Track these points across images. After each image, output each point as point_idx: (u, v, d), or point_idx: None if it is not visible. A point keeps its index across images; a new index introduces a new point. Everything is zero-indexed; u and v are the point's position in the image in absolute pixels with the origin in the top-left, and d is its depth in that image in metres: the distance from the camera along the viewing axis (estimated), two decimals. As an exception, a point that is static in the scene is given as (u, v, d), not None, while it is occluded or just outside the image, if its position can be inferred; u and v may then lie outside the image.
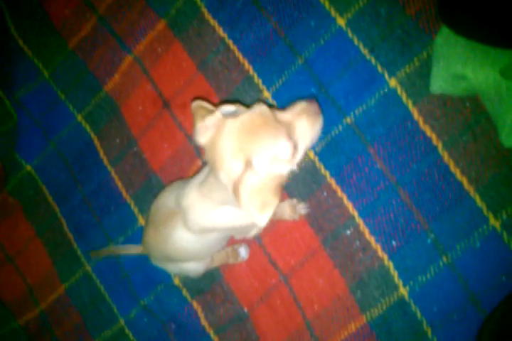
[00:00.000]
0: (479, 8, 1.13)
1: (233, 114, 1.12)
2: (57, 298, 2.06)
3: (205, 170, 1.30)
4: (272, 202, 1.03)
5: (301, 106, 1.16)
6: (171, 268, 1.59)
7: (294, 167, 1.11)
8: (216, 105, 1.18)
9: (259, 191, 1.03)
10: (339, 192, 1.55)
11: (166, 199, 1.41)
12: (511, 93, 1.20)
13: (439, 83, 1.36)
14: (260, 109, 1.09)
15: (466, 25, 1.22)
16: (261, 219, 1.03)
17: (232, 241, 1.64)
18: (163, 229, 1.38)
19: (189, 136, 1.75)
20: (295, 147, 1.09)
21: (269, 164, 1.05)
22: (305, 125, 1.13)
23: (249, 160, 1.03)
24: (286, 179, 1.08)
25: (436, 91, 1.39)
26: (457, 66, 1.28)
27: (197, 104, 1.17)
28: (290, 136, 1.08)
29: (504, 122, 1.25)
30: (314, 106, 1.17)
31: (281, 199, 1.58)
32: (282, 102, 1.60)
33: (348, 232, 1.54)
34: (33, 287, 2.12)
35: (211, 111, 1.13)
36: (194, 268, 1.58)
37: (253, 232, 1.49)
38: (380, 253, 1.51)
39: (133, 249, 1.73)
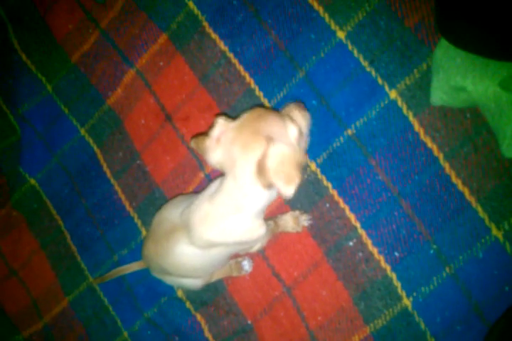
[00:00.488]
0: (478, 21, 1.14)
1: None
2: (61, 310, 2.06)
3: (214, 184, 1.33)
4: (296, 176, 1.13)
5: (290, 105, 1.34)
6: (169, 280, 1.59)
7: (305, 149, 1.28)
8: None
9: (283, 164, 1.12)
10: (341, 204, 1.56)
11: (169, 214, 1.42)
12: (511, 105, 1.21)
13: (439, 95, 1.36)
14: (258, 108, 1.25)
15: (465, 38, 1.23)
16: (287, 191, 1.12)
17: (235, 255, 1.65)
18: (166, 243, 1.38)
19: (191, 149, 1.76)
20: (299, 130, 1.22)
21: (286, 140, 1.17)
22: (298, 115, 1.29)
23: (270, 136, 1.14)
24: (304, 161, 1.16)
25: (436, 103, 1.40)
26: (457, 78, 1.28)
27: (194, 139, 1.29)
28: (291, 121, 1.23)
29: (505, 134, 1.25)
30: (301, 104, 1.36)
31: (284, 212, 1.59)
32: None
33: (351, 244, 1.55)
34: (37, 300, 2.12)
35: (204, 139, 1.25)
36: (191, 284, 1.58)
37: (256, 247, 1.50)
38: (383, 264, 1.51)
39: (135, 266, 1.74)
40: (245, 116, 1.23)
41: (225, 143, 1.21)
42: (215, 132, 1.23)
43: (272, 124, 1.20)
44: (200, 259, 1.39)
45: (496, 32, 1.13)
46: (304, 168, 1.16)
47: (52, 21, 2.03)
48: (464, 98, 1.32)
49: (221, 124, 1.23)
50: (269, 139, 1.14)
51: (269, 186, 1.17)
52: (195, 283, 1.58)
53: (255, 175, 1.15)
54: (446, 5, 1.22)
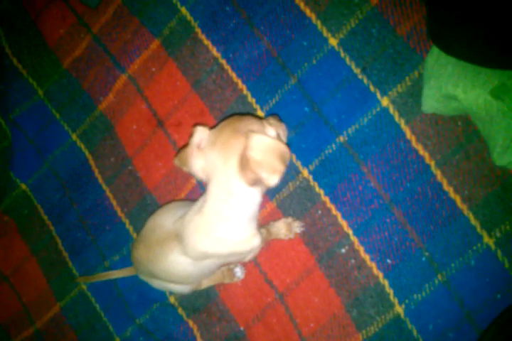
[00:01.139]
0: (469, 29, 1.14)
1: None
2: (52, 316, 2.05)
3: (203, 195, 1.32)
4: (280, 167, 1.14)
5: (268, 117, 1.38)
6: (156, 284, 1.57)
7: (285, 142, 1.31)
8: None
9: (265, 153, 1.13)
10: (333, 211, 1.56)
11: (164, 221, 1.41)
12: (502, 114, 1.21)
13: (430, 103, 1.37)
14: (236, 114, 1.30)
15: (456, 45, 1.23)
16: (271, 180, 1.14)
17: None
18: (159, 250, 1.37)
19: (184, 155, 1.75)
20: (277, 133, 1.26)
21: (265, 134, 1.18)
22: (275, 123, 1.32)
23: (250, 130, 1.16)
24: (287, 153, 1.17)
25: (427, 110, 1.41)
26: (448, 86, 1.29)
27: (177, 156, 1.31)
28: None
29: (496, 142, 1.26)
30: (277, 116, 1.41)
31: (276, 218, 1.59)
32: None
33: (343, 250, 1.55)
34: (28, 306, 2.10)
35: (187, 151, 1.26)
36: (180, 289, 1.57)
37: (249, 257, 1.50)
38: (376, 271, 1.51)
39: (124, 272, 1.73)
40: (224, 121, 1.25)
41: (205, 147, 1.22)
42: (196, 139, 1.24)
43: (251, 124, 1.22)
44: (192, 268, 1.38)
45: (487, 39, 1.13)
46: (287, 160, 1.15)
47: (44, 26, 2.02)
48: (455, 106, 1.32)
49: (200, 131, 1.24)
50: (249, 132, 1.15)
51: (254, 181, 1.17)
52: (183, 288, 1.57)
53: (238, 170, 1.16)
54: (437, 13, 1.22)
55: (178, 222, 1.34)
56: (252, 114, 1.33)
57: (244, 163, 1.14)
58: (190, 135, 1.26)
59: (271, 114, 1.44)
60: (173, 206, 1.47)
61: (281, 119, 1.40)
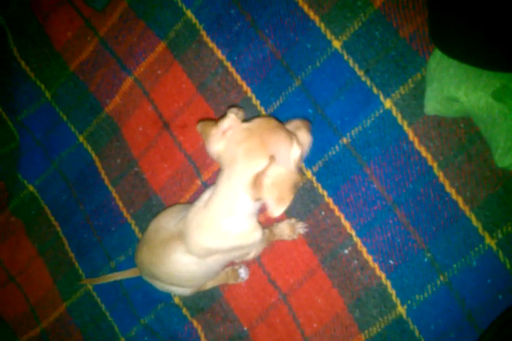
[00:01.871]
0: (471, 31, 1.15)
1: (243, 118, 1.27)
2: (58, 316, 2.07)
3: (207, 192, 1.34)
4: (288, 197, 1.15)
5: (298, 121, 1.36)
6: (159, 285, 1.59)
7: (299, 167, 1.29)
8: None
9: (278, 185, 1.14)
10: (337, 212, 1.57)
11: (166, 223, 1.43)
12: (503, 116, 1.22)
13: (432, 105, 1.38)
14: (268, 117, 1.28)
15: (457, 48, 1.24)
16: (276, 211, 1.15)
17: (231, 262, 1.66)
18: (162, 252, 1.38)
19: (189, 156, 1.77)
20: (302, 152, 1.26)
21: (287, 162, 1.19)
22: (304, 136, 1.32)
23: (273, 156, 1.16)
24: (300, 181, 1.19)
25: (430, 112, 1.42)
26: (450, 88, 1.30)
27: (202, 123, 1.31)
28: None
29: (498, 143, 1.27)
30: (308, 123, 1.38)
31: (280, 220, 1.60)
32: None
33: (346, 251, 1.56)
34: (34, 305, 2.13)
35: (217, 124, 1.25)
36: (181, 291, 1.60)
37: (252, 254, 1.51)
38: (378, 272, 1.52)
39: (130, 273, 1.75)
40: (258, 123, 1.24)
41: (230, 139, 1.22)
42: (224, 125, 1.24)
43: (279, 140, 1.21)
44: (195, 268, 1.40)
45: (488, 42, 1.14)
46: (297, 188, 1.17)
47: (51, 29, 2.04)
48: (457, 108, 1.33)
49: (232, 119, 1.24)
50: (272, 158, 1.15)
51: (258, 199, 1.19)
52: (184, 291, 1.59)
53: (249, 185, 1.17)
54: (438, 15, 1.23)
55: (181, 221, 1.36)
56: (282, 123, 1.32)
57: (256, 183, 1.15)
58: (222, 116, 1.26)
59: (304, 118, 1.42)
60: (176, 209, 1.49)
61: (311, 128, 1.39)
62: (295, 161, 1.22)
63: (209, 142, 1.26)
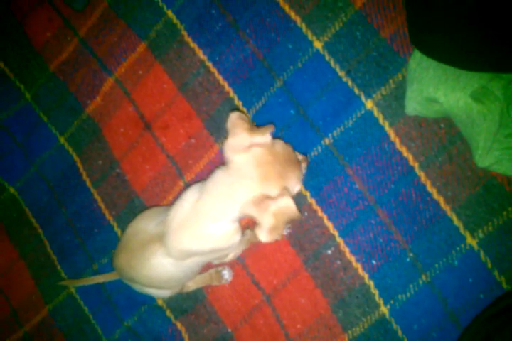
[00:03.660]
0: (448, 31, 1.16)
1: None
2: (41, 319, 2.05)
3: (193, 192, 1.31)
4: (281, 229, 1.17)
5: (302, 156, 1.40)
6: (137, 288, 1.57)
7: None
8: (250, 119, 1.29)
9: (278, 215, 1.15)
10: (319, 212, 1.57)
11: (145, 225, 1.41)
12: (482, 116, 1.23)
13: (413, 105, 1.38)
14: (292, 152, 1.30)
15: (435, 48, 1.25)
16: (266, 238, 1.16)
17: (214, 264, 1.65)
18: (141, 255, 1.37)
19: (171, 158, 1.76)
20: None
21: (291, 193, 1.22)
22: (302, 173, 1.37)
23: (287, 188, 1.19)
24: (298, 219, 1.21)
25: (411, 113, 1.42)
26: (429, 89, 1.30)
27: (236, 115, 1.26)
28: None
29: (477, 144, 1.27)
30: (307, 161, 1.47)
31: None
32: (262, 124, 1.61)
33: (329, 252, 1.56)
34: (16, 309, 2.10)
35: (246, 129, 1.23)
36: (160, 293, 1.58)
37: (231, 256, 1.50)
38: (361, 272, 1.53)
39: (110, 276, 1.73)
40: (282, 149, 1.25)
41: (254, 156, 1.21)
42: (254, 140, 1.22)
43: (294, 175, 1.25)
44: (174, 270, 1.39)
45: (465, 42, 1.14)
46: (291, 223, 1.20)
47: (30, 29, 2.02)
48: (436, 109, 1.33)
49: (265, 138, 1.23)
50: (285, 190, 1.18)
51: (247, 216, 1.21)
52: (164, 293, 1.58)
53: (252, 203, 1.17)
54: (416, 15, 1.23)
55: (161, 223, 1.34)
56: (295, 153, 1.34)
57: (261, 205, 1.16)
58: (258, 130, 1.24)
59: (305, 155, 1.50)
60: (154, 211, 1.48)
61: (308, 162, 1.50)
62: (293, 195, 1.24)
63: (228, 143, 1.23)
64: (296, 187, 1.26)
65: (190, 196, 1.30)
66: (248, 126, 1.23)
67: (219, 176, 1.24)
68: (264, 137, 1.23)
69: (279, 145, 1.26)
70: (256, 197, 1.17)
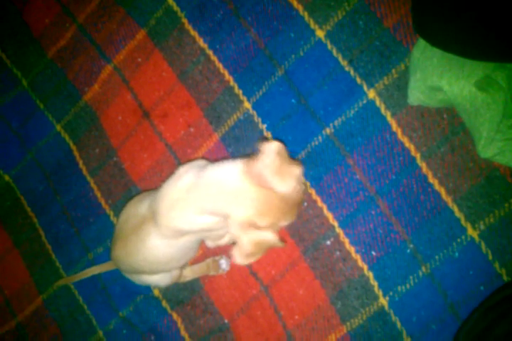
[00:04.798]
0: (453, 19, 1.14)
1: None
2: (34, 309, 2.03)
3: (188, 175, 1.27)
4: (256, 256, 1.15)
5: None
6: (137, 279, 1.56)
7: None
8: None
9: (259, 244, 1.14)
10: (319, 203, 1.55)
11: (136, 209, 1.40)
12: (486, 106, 1.22)
13: (416, 95, 1.37)
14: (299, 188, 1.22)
15: (441, 37, 1.23)
16: (241, 262, 1.15)
17: (212, 253, 1.64)
18: (135, 238, 1.35)
19: (169, 146, 1.74)
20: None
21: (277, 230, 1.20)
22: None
23: (276, 224, 1.18)
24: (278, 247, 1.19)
25: (413, 102, 1.41)
26: (433, 78, 1.29)
27: (281, 148, 1.17)
28: None
29: (480, 134, 1.27)
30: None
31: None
32: (263, 113, 1.61)
33: (329, 242, 1.55)
34: (10, 298, 2.08)
35: (287, 165, 1.17)
36: (161, 280, 1.56)
37: (226, 239, 1.47)
38: (360, 263, 1.51)
39: (106, 267, 1.71)
40: (292, 198, 1.19)
41: (264, 194, 1.16)
42: (277, 185, 1.16)
43: (289, 218, 1.22)
44: (171, 250, 1.37)
45: (471, 30, 1.13)
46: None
47: (29, 15, 2.00)
48: (440, 98, 1.32)
49: (284, 188, 1.17)
50: (274, 225, 1.17)
51: (226, 218, 1.17)
52: (165, 279, 1.55)
53: (237, 223, 1.15)
54: (422, 3, 1.22)
55: (152, 202, 1.33)
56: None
57: (245, 229, 1.14)
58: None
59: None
60: (143, 194, 1.46)
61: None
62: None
63: (262, 162, 1.15)
64: (286, 223, 1.23)
65: (186, 179, 1.26)
66: (286, 162, 1.17)
67: (228, 178, 1.19)
68: (287, 187, 1.17)
69: (296, 191, 1.19)
70: (244, 222, 1.14)
